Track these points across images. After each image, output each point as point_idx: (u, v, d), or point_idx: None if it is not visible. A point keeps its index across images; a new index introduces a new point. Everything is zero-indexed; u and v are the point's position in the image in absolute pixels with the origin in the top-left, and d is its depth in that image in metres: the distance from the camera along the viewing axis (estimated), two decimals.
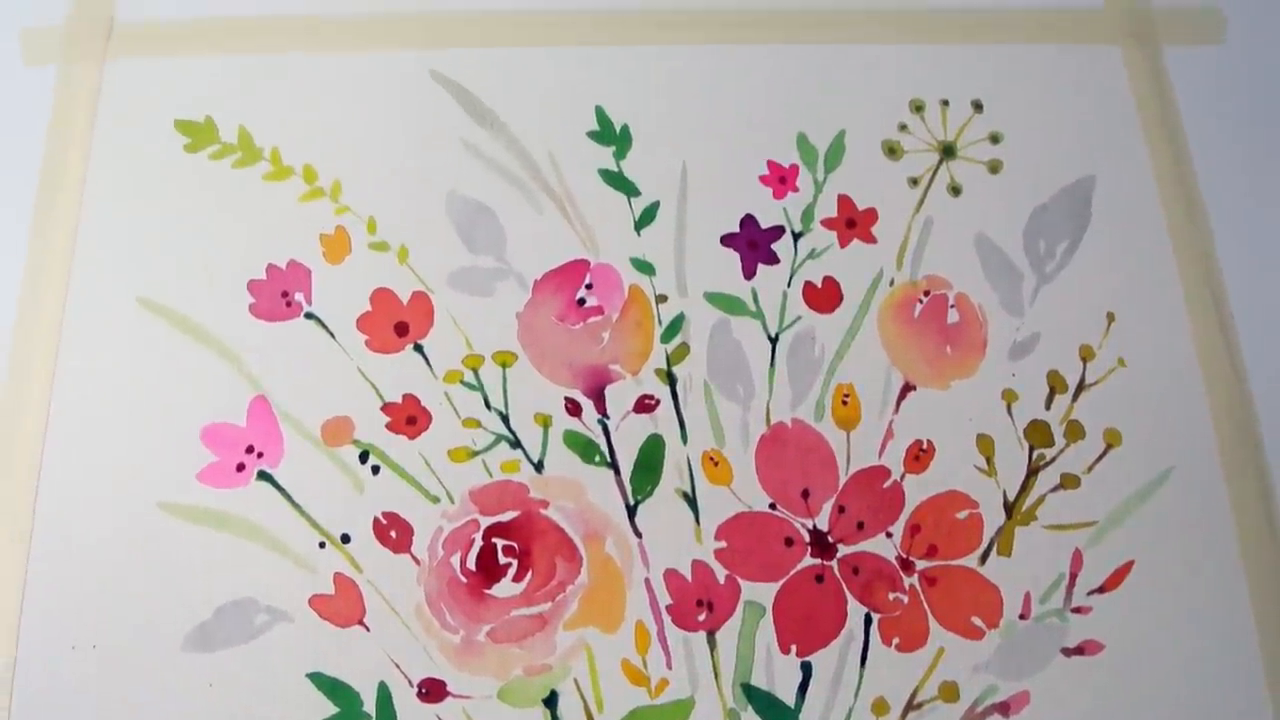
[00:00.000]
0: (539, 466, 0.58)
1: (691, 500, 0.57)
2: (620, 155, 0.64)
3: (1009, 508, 0.58)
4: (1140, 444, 0.59)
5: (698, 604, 0.55)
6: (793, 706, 0.54)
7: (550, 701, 0.54)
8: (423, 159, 0.63)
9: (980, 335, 0.61)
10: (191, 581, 0.55)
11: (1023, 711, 0.54)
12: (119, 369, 0.59)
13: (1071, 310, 0.61)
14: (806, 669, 0.55)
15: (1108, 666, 0.55)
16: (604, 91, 0.65)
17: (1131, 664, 0.55)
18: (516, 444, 0.58)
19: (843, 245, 0.63)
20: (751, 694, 0.54)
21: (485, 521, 0.56)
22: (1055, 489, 0.58)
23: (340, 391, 0.59)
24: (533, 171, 0.63)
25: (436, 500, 0.57)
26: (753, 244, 0.62)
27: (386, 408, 0.58)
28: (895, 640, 0.55)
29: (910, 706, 0.54)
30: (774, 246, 0.62)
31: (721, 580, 0.56)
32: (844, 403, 0.59)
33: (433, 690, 0.54)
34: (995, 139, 0.65)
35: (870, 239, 0.63)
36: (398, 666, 0.54)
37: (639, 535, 0.57)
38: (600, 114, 0.65)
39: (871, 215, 0.63)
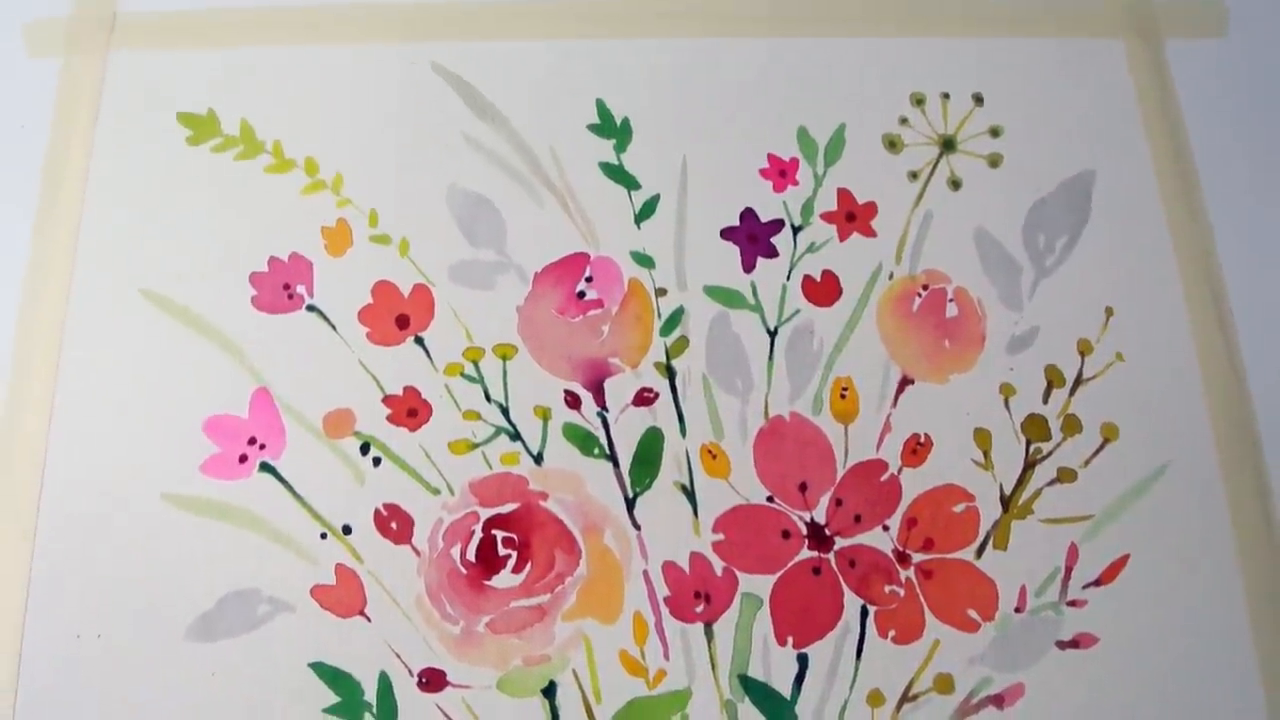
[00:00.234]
0: (538, 459, 0.58)
1: (690, 493, 0.58)
2: (621, 148, 0.64)
3: (1005, 501, 0.58)
4: (1137, 439, 0.59)
5: (695, 596, 0.56)
6: (789, 698, 0.54)
7: (549, 692, 0.54)
8: (424, 152, 0.64)
9: (979, 329, 0.61)
10: (194, 572, 0.55)
11: (1017, 703, 0.55)
12: (122, 361, 0.59)
13: (1070, 305, 0.61)
14: (803, 660, 0.55)
15: (1102, 659, 0.55)
16: (605, 85, 0.66)
17: (1126, 657, 0.55)
18: (516, 436, 0.58)
19: (842, 239, 0.63)
20: (748, 685, 0.55)
21: (485, 513, 0.57)
22: (1052, 483, 0.58)
23: (342, 383, 0.59)
24: (533, 165, 0.64)
25: (437, 492, 0.57)
26: (752, 237, 0.63)
27: (387, 400, 0.59)
28: (891, 632, 0.56)
29: (905, 698, 0.55)
30: (773, 240, 0.63)
31: (719, 572, 0.56)
32: (842, 396, 0.59)
33: (433, 680, 0.54)
34: (995, 132, 0.65)
35: (870, 233, 0.63)
36: (398, 656, 0.54)
37: (637, 527, 0.57)
38: (601, 107, 0.65)
39: (871, 209, 0.63)
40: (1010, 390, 0.60)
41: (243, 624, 0.55)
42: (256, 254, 0.61)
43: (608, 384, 0.59)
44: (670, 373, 0.60)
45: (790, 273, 0.62)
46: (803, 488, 0.58)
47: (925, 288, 0.62)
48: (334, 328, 0.60)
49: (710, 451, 0.58)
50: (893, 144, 0.65)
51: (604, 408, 0.59)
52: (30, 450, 0.57)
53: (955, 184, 0.64)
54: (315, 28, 0.67)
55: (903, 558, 0.57)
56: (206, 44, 0.66)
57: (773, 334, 0.61)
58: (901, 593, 0.56)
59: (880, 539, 0.57)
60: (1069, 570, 0.57)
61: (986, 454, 0.59)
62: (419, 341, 0.60)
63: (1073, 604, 0.56)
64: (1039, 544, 0.57)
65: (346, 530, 0.56)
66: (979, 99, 0.66)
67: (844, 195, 0.64)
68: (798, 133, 0.65)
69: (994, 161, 0.65)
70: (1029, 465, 0.58)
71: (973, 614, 0.56)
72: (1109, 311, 0.61)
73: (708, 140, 0.65)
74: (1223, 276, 0.62)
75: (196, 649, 0.54)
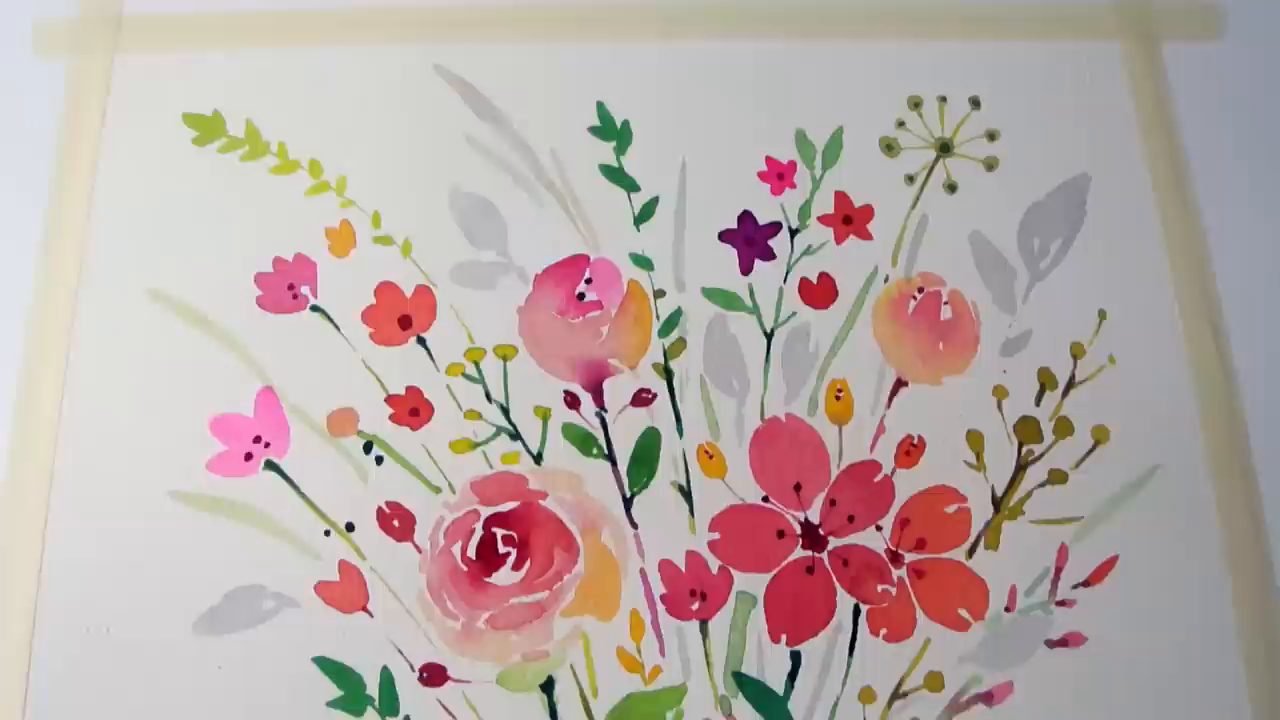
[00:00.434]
0: (538, 458, 0.59)
1: (686, 492, 0.59)
2: (621, 151, 0.65)
3: (997, 502, 0.59)
4: (1128, 442, 0.60)
5: (691, 594, 0.57)
6: (782, 694, 0.56)
7: (547, 687, 0.55)
8: (427, 154, 0.64)
9: (973, 332, 0.62)
10: (201, 568, 0.56)
11: (1006, 701, 0.56)
12: (130, 360, 0.60)
13: (1063, 308, 0.62)
14: (796, 658, 0.56)
15: (1090, 659, 0.56)
16: (606, 88, 0.66)
17: (1113, 656, 0.56)
18: (516, 436, 0.59)
19: (839, 242, 0.64)
20: (742, 681, 0.56)
21: (485, 512, 0.58)
22: (1043, 484, 0.59)
23: (345, 383, 0.60)
24: (534, 167, 0.64)
25: (438, 490, 0.58)
26: (750, 240, 0.63)
27: (390, 399, 0.60)
28: (883, 631, 0.57)
29: (896, 695, 0.56)
30: (771, 243, 0.63)
31: (714, 571, 0.57)
32: (837, 398, 0.60)
33: (433, 675, 0.55)
34: (992, 136, 0.66)
35: (866, 235, 0.64)
36: (400, 651, 0.56)
37: (635, 526, 0.58)
38: (601, 110, 0.66)
39: (868, 212, 0.64)
40: (1003, 392, 0.61)
41: (248, 619, 0.56)
42: (261, 255, 0.62)
43: (606, 385, 0.60)
44: (668, 374, 0.61)
45: (787, 275, 0.63)
46: (797, 488, 0.59)
47: (920, 290, 0.62)
48: (337, 328, 0.61)
49: (707, 452, 0.59)
50: (890, 147, 0.65)
51: (603, 408, 0.60)
52: (41, 448, 0.58)
53: (951, 187, 0.65)
54: (319, 30, 0.67)
55: (895, 557, 0.58)
56: (211, 46, 0.67)
57: (769, 336, 0.61)
58: (894, 592, 0.57)
59: (873, 539, 0.58)
60: (1059, 571, 0.58)
61: (979, 455, 0.59)
62: (421, 342, 0.61)
63: (1062, 604, 0.57)
64: (1030, 545, 0.58)
65: (350, 527, 0.57)
66: (976, 102, 0.67)
67: (841, 198, 0.64)
68: (796, 136, 0.65)
69: (990, 165, 0.65)
70: (1021, 467, 0.59)
71: (963, 613, 0.57)
72: (1102, 315, 0.62)
73: (707, 143, 0.65)
74: (1215, 281, 0.63)
75: (203, 643, 0.55)
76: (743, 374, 0.61)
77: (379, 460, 0.59)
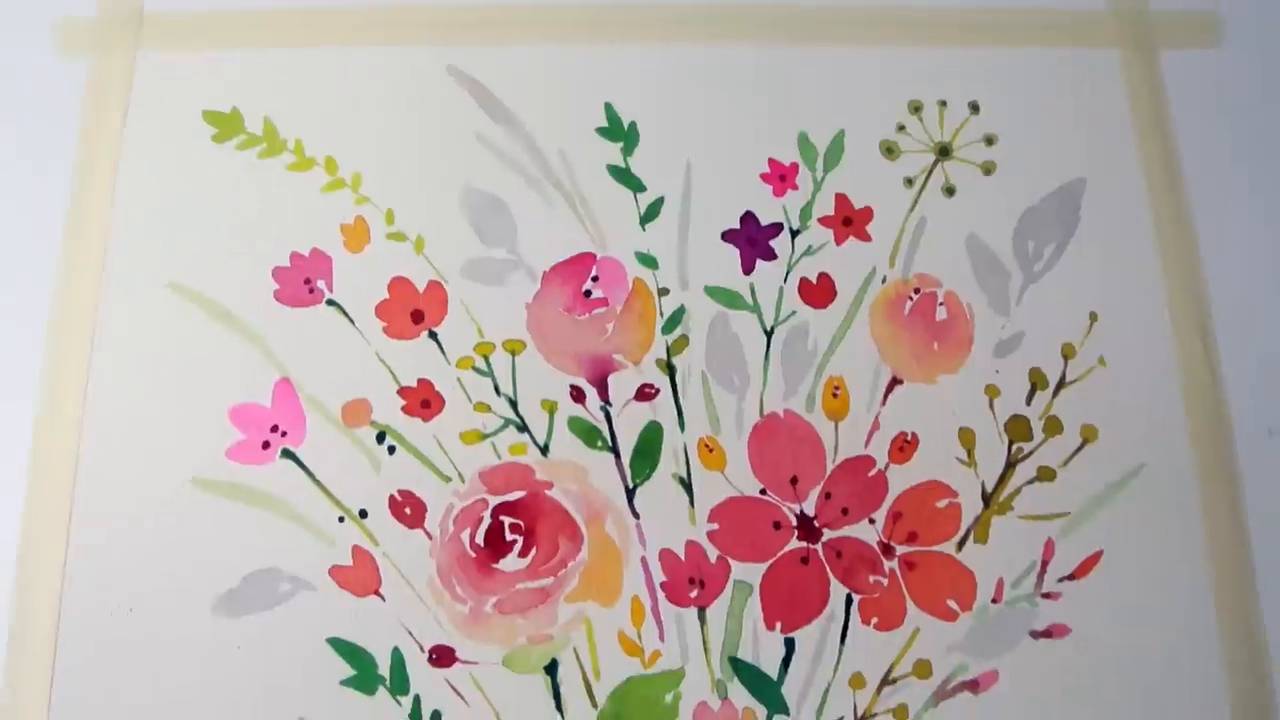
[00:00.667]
0: (545, 450, 0.61)
1: (687, 484, 0.61)
2: (628, 152, 0.66)
3: (987, 498, 0.61)
4: (1115, 440, 0.61)
5: (690, 582, 0.59)
6: (776, 679, 0.58)
7: (551, 669, 0.58)
8: (439, 153, 0.66)
9: (967, 332, 0.63)
10: (221, 552, 0.58)
11: (991, 689, 0.58)
12: (152, 352, 0.62)
13: (1056, 310, 0.64)
14: (790, 644, 0.58)
15: (1073, 649, 0.58)
16: (614, 89, 0.68)
17: (1096, 647, 0.58)
18: (524, 428, 0.61)
19: (838, 243, 0.65)
20: (738, 666, 0.58)
21: (493, 500, 0.60)
22: (1032, 481, 0.61)
23: (359, 375, 0.62)
24: (544, 166, 0.66)
25: (448, 480, 0.60)
26: (752, 240, 0.65)
27: (402, 391, 0.62)
28: (874, 620, 0.58)
29: (885, 681, 0.58)
30: (772, 243, 0.65)
31: (713, 560, 0.59)
32: (834, 395, 0.62)
33: (442, 656, 0.58)
34: (990, 140, 0.67)
35: (865, 237, 0.65)
36: (410, 634, 0.58)
37: (637, 516, 0.60)
38: (610, 111, 0.67)
39: (867, 214, 0.66)
40: (995, 392, 0.62)
41: (265, 601, 0.58)
42: (279, 249, 0.64)
43: (611, 379, 0.62)
44: (671, 369, 0.62)
45: (787, 275, 0.64)
46: (794, 481, 0.61)
47: (917, 291, 0.64)
48: (352, 321, 0.63)
49: (707, 445, 0.61)
50: (890, 150, 0.67)
51: (607, 402, 0.62)
52: (67, 437, 0.60)
53: (949, 190, 0.66)
54: (336, 30, 0.69)
55: (887, 549, 0.60)
56: (231, 44, 0.68)
57: (769, 334, 0.63)
58: (885, 582, 0.59)
59: (866, 531, 0.60)
60: (1045, 564, 0.59)
61: (970, 452, 0.61)
62: (433, 336, 0.63)
63: (1047, 596, 0.59)
64: (1017, 539, 0.60)
65: (363, 514, 0.59)
66: (975, 107, 0.68)
67: (841, 200, 0.66)
68: (798, 138, 0.67)
69: (988, 169, 0.67)
70: (1010, 464, 0.61)
71: (952, 604, 0.59)
72: (1093, 317, 0.64)
73: (712, 144, 0.66)
74: (1206, 285, 0.64)
75: (222, 624, 0.57)
76: (743, 371, 0.62)
77: (391, 450, 0.61)
